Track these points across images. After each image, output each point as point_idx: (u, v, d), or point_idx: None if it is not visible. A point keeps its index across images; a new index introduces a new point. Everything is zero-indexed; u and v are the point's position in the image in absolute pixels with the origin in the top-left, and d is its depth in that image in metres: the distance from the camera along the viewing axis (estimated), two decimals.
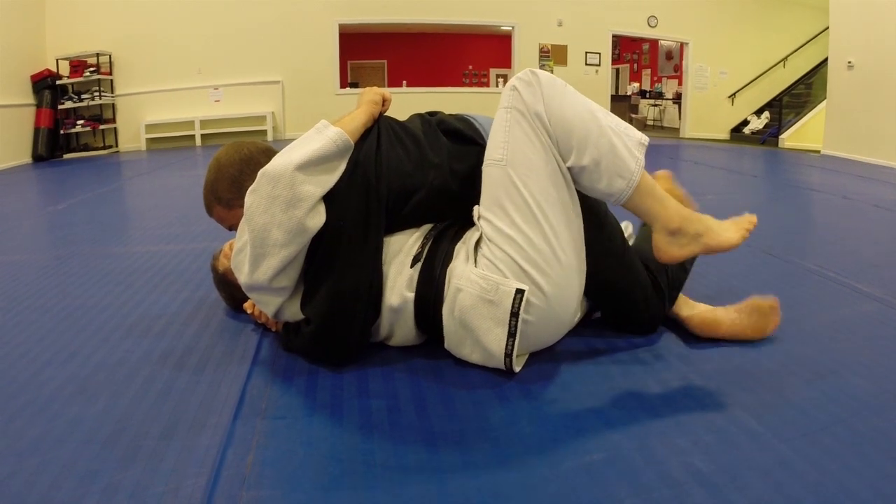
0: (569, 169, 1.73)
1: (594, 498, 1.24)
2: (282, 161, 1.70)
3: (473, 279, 1.70)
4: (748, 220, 1.82)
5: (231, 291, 2.20)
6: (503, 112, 1.76)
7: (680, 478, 1.29)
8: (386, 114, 2.03)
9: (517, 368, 1.75)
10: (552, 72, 11.09)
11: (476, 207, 1.82)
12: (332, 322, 1.76)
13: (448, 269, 1.77)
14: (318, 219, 1.72)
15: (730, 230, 1.79)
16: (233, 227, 2.05)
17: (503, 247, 1.68)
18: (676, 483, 1.27)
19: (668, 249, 1.77)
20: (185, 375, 1.80)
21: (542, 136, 1.71)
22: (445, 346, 1.81)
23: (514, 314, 1.66)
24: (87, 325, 2.21)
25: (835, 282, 2.60)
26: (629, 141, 1.73)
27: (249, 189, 1.73)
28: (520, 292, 1.65)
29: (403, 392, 1.69)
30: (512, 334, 1.68)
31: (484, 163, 1.78)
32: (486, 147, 1.80)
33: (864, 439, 1.42)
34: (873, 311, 2.27)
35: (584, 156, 1.69)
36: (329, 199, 1.75)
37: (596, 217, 1.88)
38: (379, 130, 1.92)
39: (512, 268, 1.67)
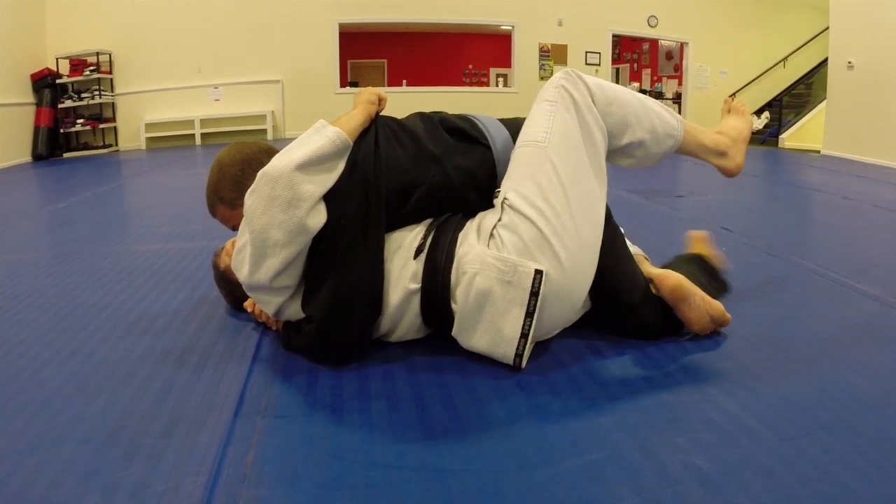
0: (628, 146, 1.94)
1: (594, 497, 1.24)
2: (281, 161, 1.70)
3: (490, 262, 1.72)
4: (741, 108, 2.29)
5: (231, 289, 2.19)
6: (546, 105, 1.87)
7: (680, 476, 1.29)
8: (383, 113, 2.04)
9: (525, 361, 1.76)
10: (552, 72, 11.09)
11: (497, 191, 1.86)
12: (333, 321, 1.76)
13: (455, 257, 1.78)
14: (319, 218, 1.72)
15: (744, 122, 2.23)
16: (235, 227, 2.05)
17: (530, 216, 1.72)
18: (677, 482, 1.27)
19: (730, 162, 2.15)
20: (185, 374, 1.80)
21: (585, 129, 1.84)
22: (453, 333, 1.81)
23: (535, 294, 1.69)
24: (86, 324, 2.20)
25: (835, 282, 2.59)
26: (666, 111, 2.00)
27: (249, 190, 1.73)
28: (539, 273, 1.68)
29: (403, 391, 1.68)
30: (530, 314, 1.70)
31: (519, 143, 1.87)
32: (522, 131, 1.89)
33: (864, 439, 1.42)
34: (874, 310, 2.27)
35: (639, 130, 1.93)
36: (329, 198, 1.75)
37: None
38: (376, 129, 1.92)
39: (535, 237, 1.71)
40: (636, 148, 1.95)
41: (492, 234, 1.77)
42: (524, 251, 1.70)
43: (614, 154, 1.96)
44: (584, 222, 1.77)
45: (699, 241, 2.41)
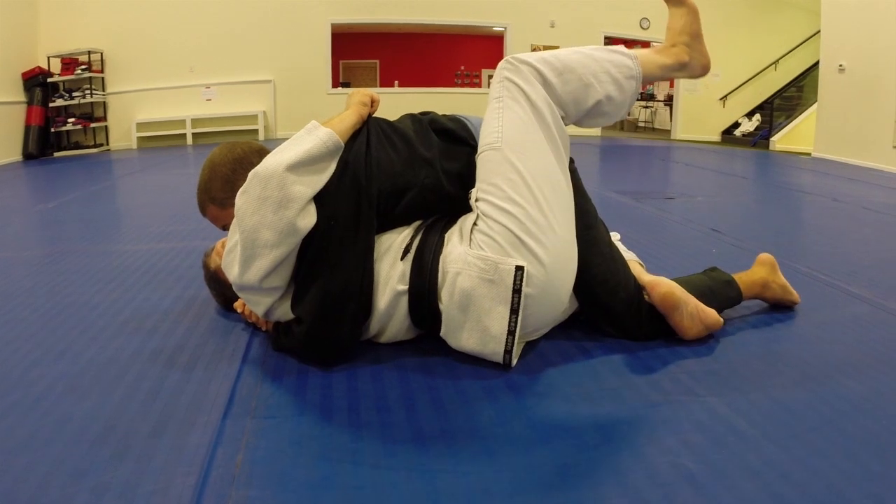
0: (596, 105, 1.89)
1: (583, 497, 1.24)
2: (272, 162, 1.70)
3: (471, 261, 1.72)
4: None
5: (222, 289, 2.19)
6: (494, 103, 1.85)
7: (668, 477, 1.29)
8: (375, 115, 2.03)
9: (515, 358, 1.77)
10: None
11: (472, 191, 1.85)
12: (323, 322, 1.76)
13: (441, 257, 1.78)
14: (309, 219, 1.72)
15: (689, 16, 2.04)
16: (226, 227, 2.05)
17: (501, 220, 1.72)
18: (665, 483, 1.28)
19: (701, 63, 2.05)
20: (175, 374, 1.80)
21: (538, 117, 1.81)
22: (441, 333, 1.82)
23: (517, 290, 1.69)
24: (76, 323, 2.20)
25: (825, 283, 2.61)
26: (616, 52, 1.95)
27: (240, 190, 1.73)
28: (520, 269, 1.68)
29: (392, 391, 1.69)
30: (515, 311, 1.70)
31: (478, 152, 1.85)
32: (479, 137, 1.87)
33: (852, 440, 1.43)
34: (863, 312, 2.28)
35: (600, 87, 1.88)
36: (319, 199, 1.75)
37: (586, 216, 1.91)
38: (368, 131, 1.92)
39: (510, 240, 1.70)
40: (605, 104, 1.91)
41: (471, 239, 1.77)
42: (503, 254, 1.71)
43: (587, 118, 1.94)
44: (557, 214, 1.76)
45: (764, 266, 2.29)
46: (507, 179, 1.75)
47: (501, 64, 1.88)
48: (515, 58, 1.87)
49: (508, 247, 1.70)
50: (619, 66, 1.91)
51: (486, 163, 1.81)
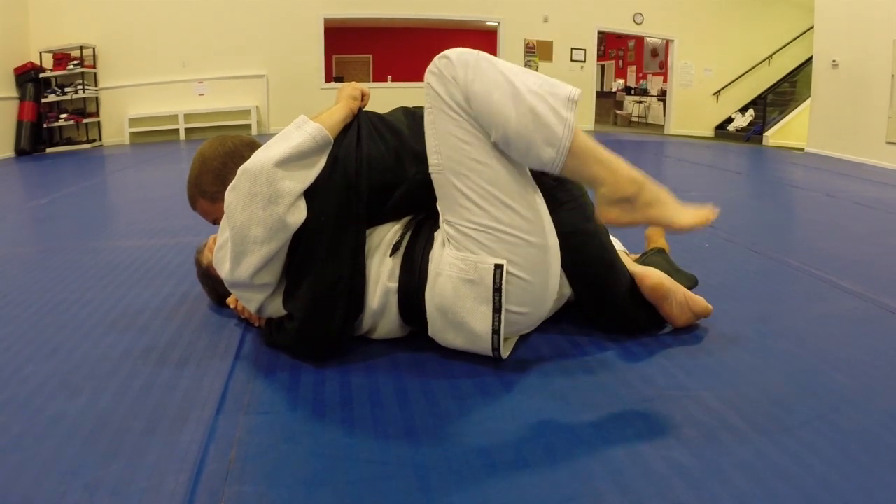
0: (495, 144, 1.67)
1: (576, 492, 1.24)
2: (261, 157, 1.69)
3: (451, 262, 1.71)
4: (709, 211, 1.68)
5: (214, 286, 2.18)
6: (426, 113, 1.75)
7: (662, 472, 1.30)
8: (366, 108, 2.03)
9: (505, 354, 1.77)
10: (537, 68, 10.91)
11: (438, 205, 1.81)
12: (314, 318, 1.76)
13: (429, 256, 1.78)
14: (299, 215, 1.71)
15: (685, 213, 1.66)
16: (216, 221, 2.04)
17: (469, 246, 1.69)
18: (658, 477, 1.28)
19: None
20: (167, 370, 1.80)
21: (470, 121, 1.68)
22: (430, 333, 1.82)
23: (497, 289, 1.67)
24: (69, 321, 2.19)
25: (817, 278, 2.61)
26: (555, 101, 1.62)
27: (229, 186, 1.73)
28: (499, 267, 1.66)
29: (386, 387, 1.69)
30: (497, 310, 1.69)
31: (430, 171, 1.77)
32: (426, 154, 1.78)
33: (844, 434, 1.44)
34: (855, 307, 2.28)
35: (505, 128, 1.62)
36: (309, 195, 1.75)
37: (584, 209, 1.91)
38: (359, 126, 1.91)
39: (481, 262, 1.69)
40: (504, 148, 1.67)
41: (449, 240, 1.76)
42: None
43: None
44: (522, 223, 1.69)
45: (659, 236, 2.46)
46: (462, 207, 1.69)
47: (430, 67, 1.72)
48: (441, 60, 1.71)
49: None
50: (543, 125, 1.60)
51: (438, 187, 1.76)
